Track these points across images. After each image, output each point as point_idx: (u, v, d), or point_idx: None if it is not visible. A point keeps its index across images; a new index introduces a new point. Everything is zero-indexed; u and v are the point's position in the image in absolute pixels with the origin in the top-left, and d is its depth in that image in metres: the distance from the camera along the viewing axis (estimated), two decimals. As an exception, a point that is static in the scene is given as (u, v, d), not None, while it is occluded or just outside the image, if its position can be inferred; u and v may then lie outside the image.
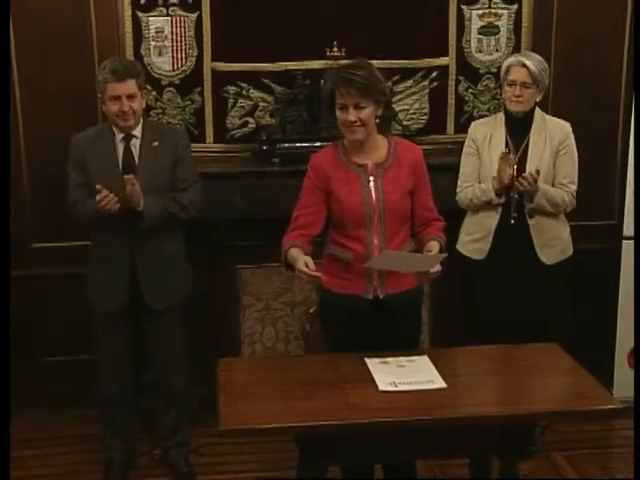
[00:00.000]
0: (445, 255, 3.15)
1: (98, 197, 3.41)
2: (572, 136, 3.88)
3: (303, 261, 2.99)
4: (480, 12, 4.37)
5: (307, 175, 3.26)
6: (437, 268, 3.11)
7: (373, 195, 3.17)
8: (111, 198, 3.43)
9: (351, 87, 3.07)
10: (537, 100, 3.84)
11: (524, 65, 3.77)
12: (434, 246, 3.19)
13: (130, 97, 3.53)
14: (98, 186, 3.42)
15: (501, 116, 3.93)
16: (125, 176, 3.45)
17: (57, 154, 3.92)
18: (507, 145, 3.85)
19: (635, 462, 3.04)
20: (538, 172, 3.71)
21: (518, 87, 3.78)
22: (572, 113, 4.08)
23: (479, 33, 4.39)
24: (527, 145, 3.85)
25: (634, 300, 4.18)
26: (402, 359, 3.05)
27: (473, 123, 4.03)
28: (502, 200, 3.80)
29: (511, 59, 3.87)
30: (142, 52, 4.20)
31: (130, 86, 3.52)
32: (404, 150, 3.26)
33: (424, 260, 3.14)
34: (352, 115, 3.09)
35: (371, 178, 3.19)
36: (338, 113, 3.14)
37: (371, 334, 3.21)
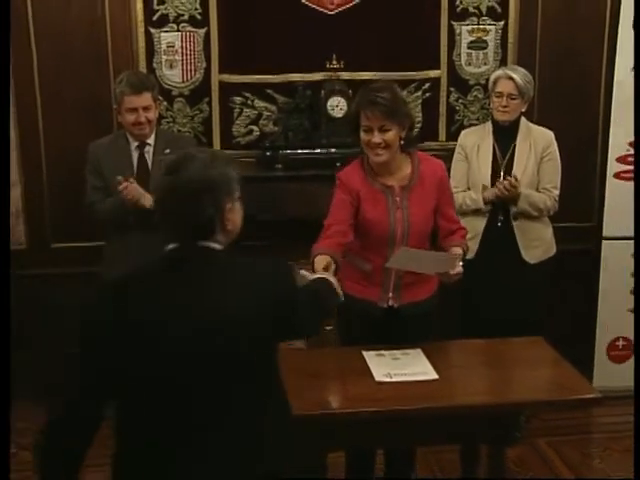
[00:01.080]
0: (463, 254, 3.11)
1: (121, 187, 3.44)
2: (555, 143, 3.90)
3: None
4: (469, 28, 4.39)
5: (337, 191, 3.13)
6: (459, 269, 3.02)
7: (399, 216, 3.09)
8: (134, 186, 3.46)
9: (376, 109, 2.96)
10: (522, 110, 3.87)
11: (510, 78, 3.79)
12: (456, 250, 3.12)
13: (146, 108, 3.56)
14: (119, 178, 3.46)
15: (489, 125, 3.95)
16: (118, 177, 3.49)
17: (75, 161, 3.93)
18: (494, 152, 3.87)
19: (635, 462, 3.04)
20: (516, 178, 3.74)
21: (505, 98, 3.80)
22: (555, 122, 4.10)
23: (468, 47, 4.41)
24: (513, 152, 3.87)
25: (634, 298, 4.22)
26: (396, 352, 3.06)
27: (463, 132, 4.06)
28: (489, 207, 3.83)
29: (498, 72, 3.89)
30: (154, 65, 4.21)
31: (146, 98, 3.55)
32: (427, 167, 3.16)
33: (443, 260, 3.05)
34: (377, 137, 2.99)
35: (397, 199, 3.10)
36: (362, 135, 3.03)
37: (382, 340, 3.13)
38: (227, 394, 2.06)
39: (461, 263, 3.06)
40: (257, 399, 2.12)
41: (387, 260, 3.04)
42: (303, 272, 2.69)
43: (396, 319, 3.18)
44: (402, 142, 3.07)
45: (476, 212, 3.86)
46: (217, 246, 2.15)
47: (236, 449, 2.07)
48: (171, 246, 2.12)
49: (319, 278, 2.65)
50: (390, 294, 3.17)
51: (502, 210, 3.84)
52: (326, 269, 2.80)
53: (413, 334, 3.15)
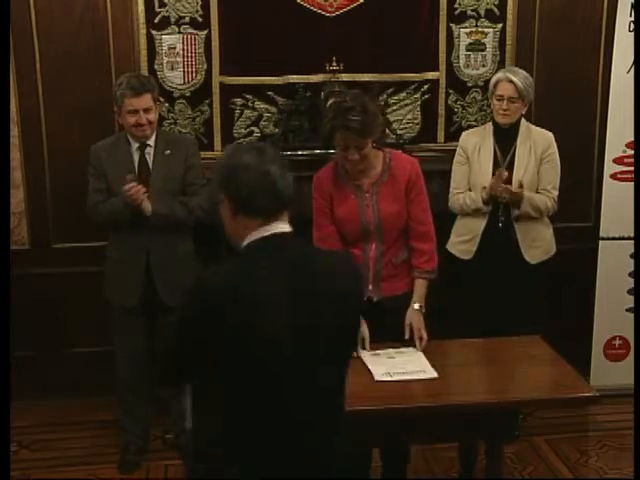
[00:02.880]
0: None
1: (127, 187, 3.44)
2: (555, 145, 3.89)
3: None
4: (468, 30, 4.37)
5: (315, 198, 3.22)
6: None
7: (369, 212, 3.15)
8: (139, 189, 3.46)
9: (349, 132, 2.99)
10: (523, 112, 3.85)
11: (511, 81, 3.78)
12: (419, 284, 3.20)
13: (146, 110, 3.55)
14: (129, 176, 3.47)
15: (489, 127, 3.93)
16: (128, 176, 3.49)
17: (77, 162, 3.93)
18: (495, 154, 3.86)
19: (635, 461, 3.03)
20: (521, 185, 3.73)
21: (505, 101, 3.78)
22: (552, 123, 4.08)
23: (467, 49, 4.40)
24: (513, 154, 3.86)
25: (634, 297, 4.21)
26: (391, 350, 3.07)
27: (464, 133, 4.03)
28: (489, 208, 3.81)
29: (499, 74, 3.86)
30: (156, 67, 4.20)
31: (146, 100, 3.54)
32: (398, 164, 3.20)
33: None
34: (353, 155, 3.04)
35: (367, 195, 3.15)
36: (338, 150, 3.10)
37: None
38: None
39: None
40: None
41: (364, 257, 3.13)
42: None
43: (376, 312, 3.16)
44: (374, 145, 3.10)
45: (476, 213, 3.85)
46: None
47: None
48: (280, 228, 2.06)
49: None
50: (370, 287, 3.18)
51: (503, 211, 3.82)
52: None
53: (393, 327, 3.16)
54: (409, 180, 3.19)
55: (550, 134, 3.91)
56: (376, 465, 3.39)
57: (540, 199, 3.83)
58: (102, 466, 3.81)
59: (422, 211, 3.23)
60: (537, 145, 3.86)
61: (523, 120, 3.88)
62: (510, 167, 3.83)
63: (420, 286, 3.21)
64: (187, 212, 3.64)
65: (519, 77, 3.79)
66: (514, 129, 3.85)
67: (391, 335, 3.15)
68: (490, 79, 4.00)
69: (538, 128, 3.94)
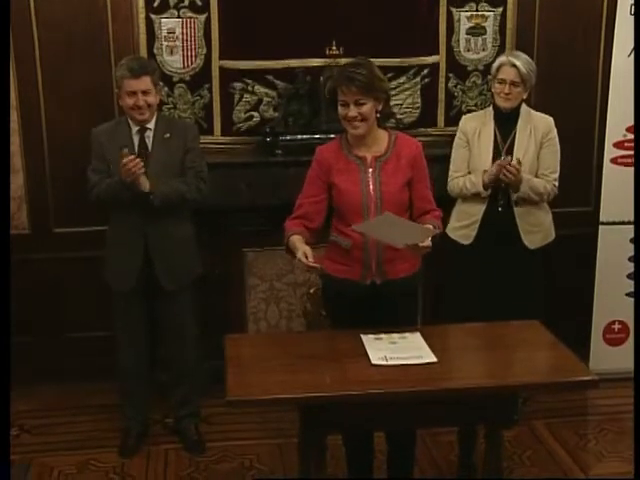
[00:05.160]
0: (438, 231, 3.09)
1: (125, 160, 3.41)
2: (555, 129, 3.86)
3: (302, 251, 2.94)
4: (468, 14, 4.33)
5: (311, 166, 3.21)
6: (427, 243, 2.99)
7: (371, 186, 3.11)
8: (137, 162, 3.42)
9: (352, 85, 3.01)
10: (524, 97, 3.82)
11: (514, 65, 3.75)
12: (428, 226, 3.11)
13: (145, 92, 3.53)
14: (125, 150, 3.43)
15: (490, 111, 3.90)
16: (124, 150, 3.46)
17: (76, 147, 3.93)
18: (495, 138, 3.83)
19: (635, 460, 3.02)
20: (519, 162, 3.70)
21: (507, 85, 3.75)
22: (553, 107, 4.06)
23: (467, 33, 4.35)
24: (514, 138, 3.83)
25: (634, 282, 4.20)
26: (395, 335, 3.03)
27: (464, 117, 4.01)
28: (488, 192, 3.79)
29: (502, 58, 3.83)
30: (155, 51, 4.15)
31: (145, 82, 3.52)
32: (403, 144, 3.18)
33: (415, 231, 3.02)
34: (353, 111, 3.04)
35: (370, 170, 3.13)
36: (340, 109, 3.08)
37: (369, 318, 3.13)
38: None
39: (436, 232, 3.07)
40: None
41: (364, 240, 3.09)
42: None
43: (379, 296, 3.16)
44: (378, 115, 3.10)
45: (476, 197, 3.82)
46: None
47: None
48: None
49: None
50: (372, 269, 3.15)
51: (503, 195, 3.79)
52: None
53: (397, 311, 3.15)
54: (414, 160, 3.17)
55: (550, 119, 3.87)
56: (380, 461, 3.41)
57: (539, 182, 3.81)
58: (102, 450, 3.81)
59: (426, 189, 3.22)
60: (537, 130, 3.83)
61: (524, 105, 3.85)
62: (510, 151, 3.81)
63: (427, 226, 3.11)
64: (187, 189, 3.61)
65: (522, 61, 3.75)
66: (515, 113, 3.82)
67: (396, 319, 3.12)
68: (490, 63, 3.97)
69: (538, 113, 3.91)
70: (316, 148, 3.25)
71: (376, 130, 3.15)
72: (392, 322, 3.11)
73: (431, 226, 3.11)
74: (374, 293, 3.17)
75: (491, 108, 3.90)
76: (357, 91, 3.01)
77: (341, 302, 3.20)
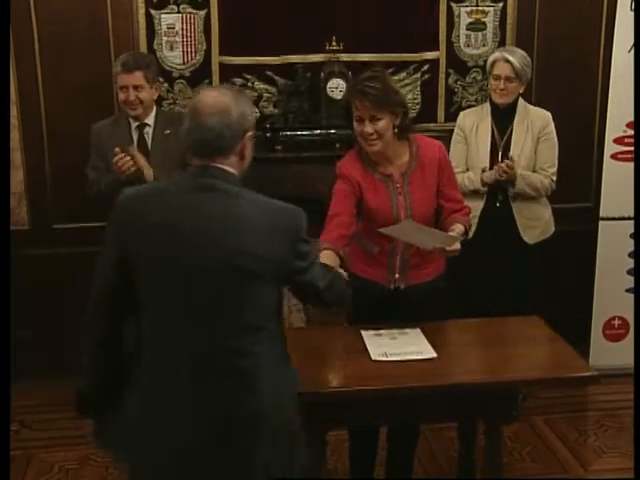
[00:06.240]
0: (463, 238, 3.03)
1: (115, 158, 3.42)
2: (552, 124, 3.85)
3: None
4: (468, 9, 4.32)
5: (338, 180, 3.04)
6: (456, 247, 2.96)
7: (401, 203, 3.03)
8: (128, 160, 3.44)
9: (365, 99, 2.87)
10: (520, 92, 3.81)
11: (508, 61, 3.74)
12: (458, 227, 3.05)
13: (137, 87, 3.53)
14: (117, 149, 3.44)
15: (487, 106, 3.89)
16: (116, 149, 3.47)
17: (76, 143, 3.91)
18: (493, 134, 3.83)
19: (635, 456, 3.01)
20: (512, 159, 3.69)
21: (502, 81, 3.75)
22: (553, 102, 4.05)
23: (467, 29, 4.35)
24: (511, 133, 3.82)
25: (634, 278, 4.19)
26: (395, 331, 3.02)
27: (461, 113, 4.01)
28: (487, 189, 3.79)
29: (496, 54, 3.82)
30: (155, 47, 4.15)
31: (137, 77, 3.52)
32: (426, 151, 3.07)
33: (442, 238, 2.98)
34: (368, 127, 2.90)
35: (397, 186, 3.03)
36: (355, 125, 2.95)
37: (390, 321, 3.06)
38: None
39: (461, 238, 3.01)
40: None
41: (392, 247, 3.03)
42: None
43: (403, 300, 3.12)
44: (396, 130, 2.97)
45: (474, 193, 3.82)
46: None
47: None
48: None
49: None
50: (396, 275, 3.11)
51: (501, 191, 3.79)
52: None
53: (420, 315, 3.08)
54: (439, 163, 3.08)
55: (547, 113, 3.87)
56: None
57: (536, 177, 3.81)
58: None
59: (454, 190, 3.16)
60: (534, 124, 3.82)
61: (520, 100, 3.85)
62: (507, 146, 3.81)
63: (458, 227, 3.06)
64: None
65: (516, 57, 3.75)
66: (511, 109, 3.82)
67: (418, 323, 3.06)
68: (490, 59, 3.94)
69: (536, 107, 3.91)
70: (336, 164, 3.11)
71: (395, 143, 3.01)
72: (415, 326, 3.04)
73: (461, 228, 3.06)
74: (397, 297, 3.12)
75: (488, 103, 3.89)
76: (371, 106, 2.88)
77: (363, 302, 3.07)
